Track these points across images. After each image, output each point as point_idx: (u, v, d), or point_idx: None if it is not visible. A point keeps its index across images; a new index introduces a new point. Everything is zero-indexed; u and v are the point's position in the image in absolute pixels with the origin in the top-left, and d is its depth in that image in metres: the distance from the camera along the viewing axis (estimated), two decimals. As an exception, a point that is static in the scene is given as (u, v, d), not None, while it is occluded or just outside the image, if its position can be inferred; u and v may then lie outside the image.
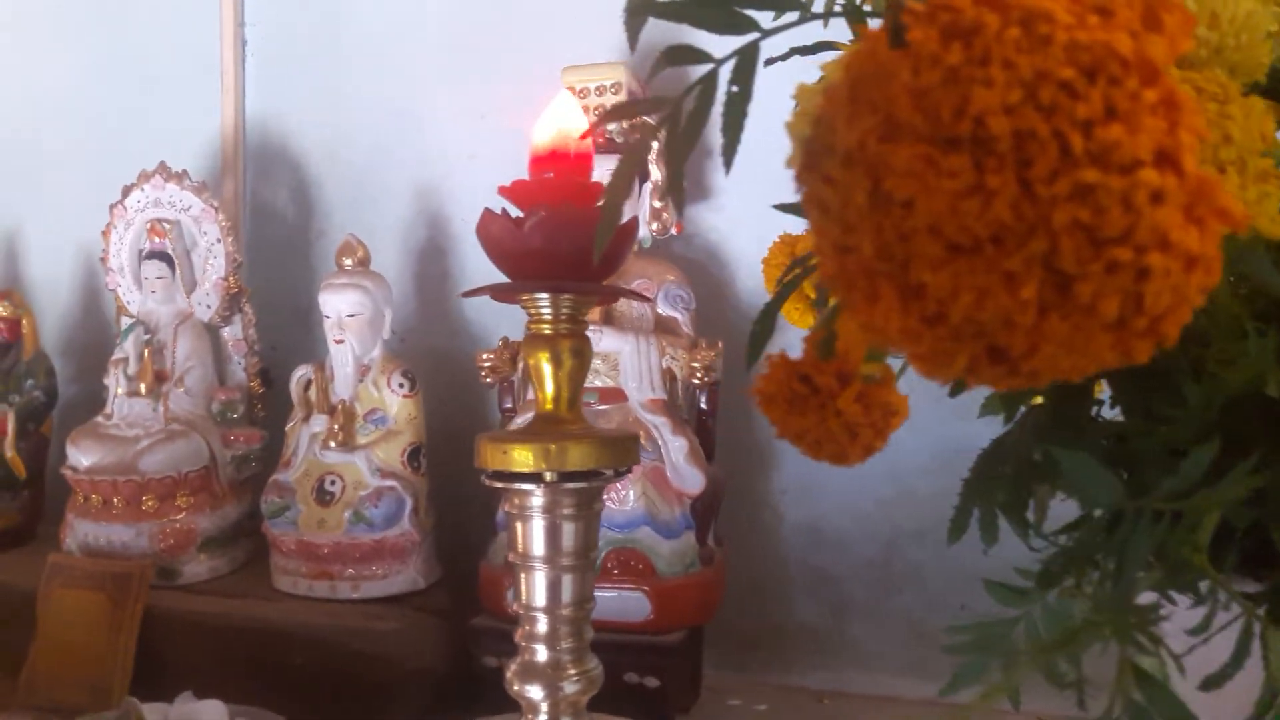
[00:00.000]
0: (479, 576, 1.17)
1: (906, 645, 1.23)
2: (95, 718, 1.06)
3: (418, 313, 1.44)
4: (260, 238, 1.49)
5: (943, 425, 0.98)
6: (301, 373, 1.30)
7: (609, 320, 1.17)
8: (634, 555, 1.08)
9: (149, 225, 1.37)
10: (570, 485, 0.57)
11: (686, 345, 1.15)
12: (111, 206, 1.40)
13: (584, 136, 0.57)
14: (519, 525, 0.59)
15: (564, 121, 0.57)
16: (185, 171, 1.37)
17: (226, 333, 1.41)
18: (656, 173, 1.18)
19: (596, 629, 1.06)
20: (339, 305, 1.26)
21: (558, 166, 0.56)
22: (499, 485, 0.59)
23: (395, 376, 1.28)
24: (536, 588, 0.58)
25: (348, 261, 1.29)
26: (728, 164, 0.48)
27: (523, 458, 0.56)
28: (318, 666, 1.14)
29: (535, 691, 0.58)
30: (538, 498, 0.58)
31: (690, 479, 1.09)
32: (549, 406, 0.59)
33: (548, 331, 0.59)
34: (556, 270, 0.56)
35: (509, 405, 1.24)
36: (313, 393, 1.30)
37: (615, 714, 1.05)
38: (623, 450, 0.58)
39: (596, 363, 1.16)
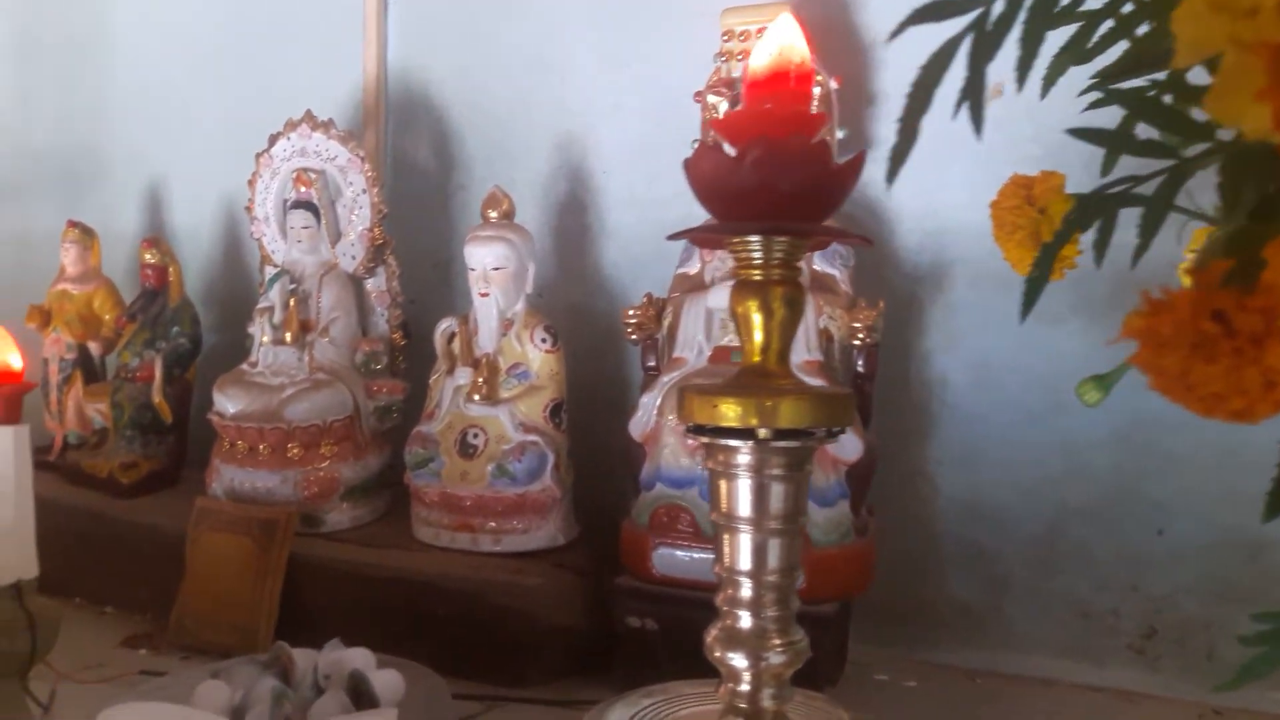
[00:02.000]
0: (620, 535, 1.14)
1: (1068, 627, 1.16)
2: (245, 660, 1.07)
3: (556, 268, 1.41)
4: (400, 190, 1.49)
5: (1125, 395, 0.91)
6: (445, 325, 1.30)
7: (764, 276, 1.13)
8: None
9: (295, 174, 1.38)
10: (781, 444, 0.53)
11: (845, 304, 1.10)
12: (257, 155, 1.41)
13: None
14: (723, 483, 0.55)
15: (785, 43, 0.52)
16: (331, 121, 1.37)
17: (370, 284, 1.42)
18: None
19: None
20: (484, 258, 1.25)
21: (777, 92, 0.52)
22: (703, 440, 0.55)
23: (538, 331, 1.26)
24: (741, 550, 0.55)
25: (493, 214, 1.27)
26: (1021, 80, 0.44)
27: (732, 412, 0.52)
28: (460, 618, 1.14)
29: (738, 660, 0.55)
30: (745, 455, 0.54)
31: (848, 445, 1.04)
32: (756, 359, 0.55)
33: (758, 278, 0.54)
34: (771, 210, 0.52)
35: (652, 364, 1.20)
36: (456, 345, 1.29)
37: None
38: (838, 409, 0.54)
39: (750, 321, 1.11)
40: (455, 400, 1.26)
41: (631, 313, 1.17)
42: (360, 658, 1.03)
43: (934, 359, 1.22)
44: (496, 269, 1.25)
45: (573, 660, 1.16)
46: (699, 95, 1.19)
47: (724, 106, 1.16)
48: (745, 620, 0.56)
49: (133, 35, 1.80)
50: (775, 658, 0.55)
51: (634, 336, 1.18)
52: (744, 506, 0.55)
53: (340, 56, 1.56)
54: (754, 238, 0.54)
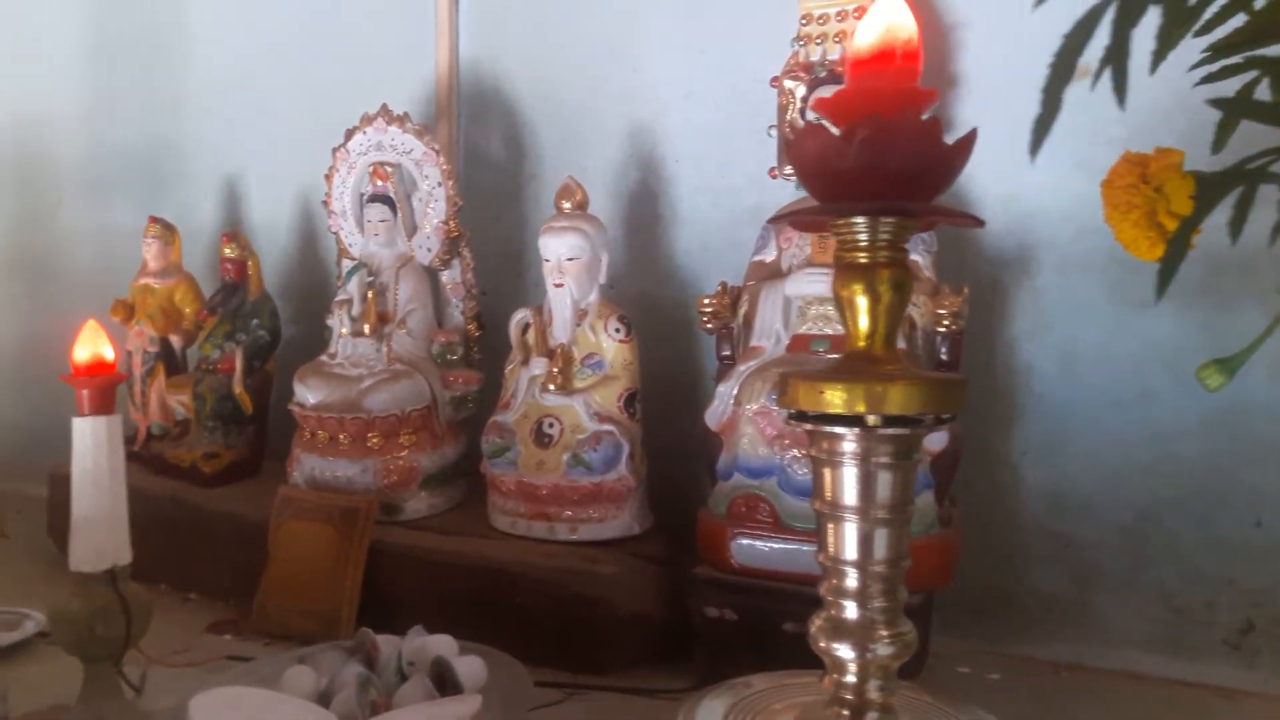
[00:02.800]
0: (696, 525, 1.14)
1: (1157, 620, 1.13)
2: (330, 646, 1.09)
3: (627, 257, 1.41)
4: (472, 182, 1.50)
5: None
6: (520, 316, 1.30)
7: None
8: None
9: (371, 168, 1.39)
10: (889, 431, 0.52)
11: (929, 290, 1.08)
12: (334, 150, 1.43)
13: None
14: (827, 471, 0.54)
15: (891, 20, 0.51)
16: (407, 114, 1.38)
17: (445, 276, 1.43)
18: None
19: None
20: (558, 248, 1.25)
21: (883, 69, 0.51)
22: (807, 427, 0.55)
23: (612, 321, 1.26)
24: (846, 540, 0.54)
25: (566, 204, 1.27)
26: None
27: (838, 398, 0.52)
28: (538, 606, 1.15)
29: (844, 651, 0.54)
30: (851, 442, 0.53)
31: (933, 435, 1.02)
32: (862, 343, 0.54)
33: (863, 260, 0.53)
34: (878, 191, 0.51)
35: (727, 353, 1.19)
36: (531, 336, 1.29)
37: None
38: (948, 395, 0.52)
39: (828, 309, 1.10)
40: (530, 390, 1.27)
41: (707, 301, 1.17)
42: (443, 644, 1.04)
43: (1019, 346, 1.19)
44: (570, 259, 1.25)
45: (649, 649, 1.16)
46: (775, 81, 1.17)
47: (801, 91, 1.15)
48: (851, 611, 0.55)
49: (210, 33, 1.84)
50: (882, 649, 0.54)
51: (709, 325, 1.17)
52: (849, 495, 0.54)
53: (413, 50, 1.57)
54: (859, 219, 0.53)
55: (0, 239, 2.17)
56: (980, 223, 0.56)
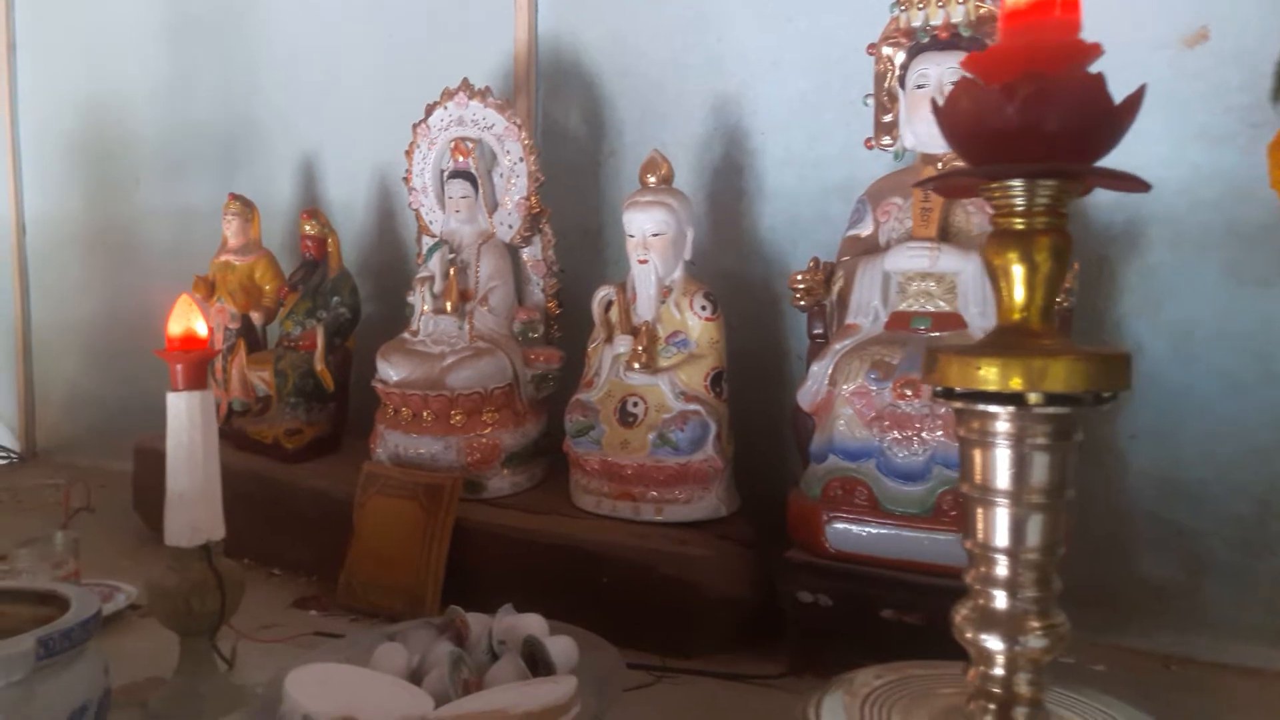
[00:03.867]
0: (788, 508, 1.11)
1: (1275, 612, 1.08)
2: (420, 623, 1.08)
3: (710, 233, 1.38)
4: (550, 158, 1.47)
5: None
6: (604, 293, 1.28)
7: (946, 236, 1.07)
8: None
9: (453, 144, 1.38)
10: (1049, 410, 0.48)
11: (1035, 266, 1.03)
12: (414, 125, 1.42)
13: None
14: (977, 453, 0.51)
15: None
16: (488, 89, 1.36)
17: (526, 253, 1.41)
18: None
19: (928, 573, 0.99)
20: (643, 224, 1.22)
21: (1040, 22, 0.47)
22: (956, 406, 0.51)
23: (698, 299, 1.23)
24: (997, 525, 0.51)
25: (651, 179, 1.24)
26: None
27: (993, 375, 0.48)
28: (625, 587, 1.13)
29: (993, 642, 0.51)
30: (1004, 422, 0.50)
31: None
32: (1016, 316, 0.51)
33: (1019, 226, 0.50)
34: (1036, 152, 0.47)
35: (819, 331, 1.16)
36: (614, 314, 1.27)
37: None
38: (1113, 371, 0.49)
39: (930, 285, 1.06)
40: (614, 368, 1.25)
41: (799, 277, 1.13)
42: (534, 624, 1.02)
43: (1129, 325, 1.14)
44: (656, 235, 1.22)
45: (737, 633, 1.14)
46: (873, 48, 1.13)
47: (901, 58, 1.10)
48: (1000, 600, 0.52)
49: (286, 10, 1.84)
50: (1034, 641, 0.51)
51: (801, 302, 1.14)
52: (1001, 478, 0.51)
53: (491, 24, 1.55)
54: (1016, 182, 0.49)
55: (81, 218, 2.20)
56: (1146, 186, 0.52)
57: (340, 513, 1.32)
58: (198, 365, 0.99)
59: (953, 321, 1.04)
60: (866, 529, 1.03)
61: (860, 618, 1.02)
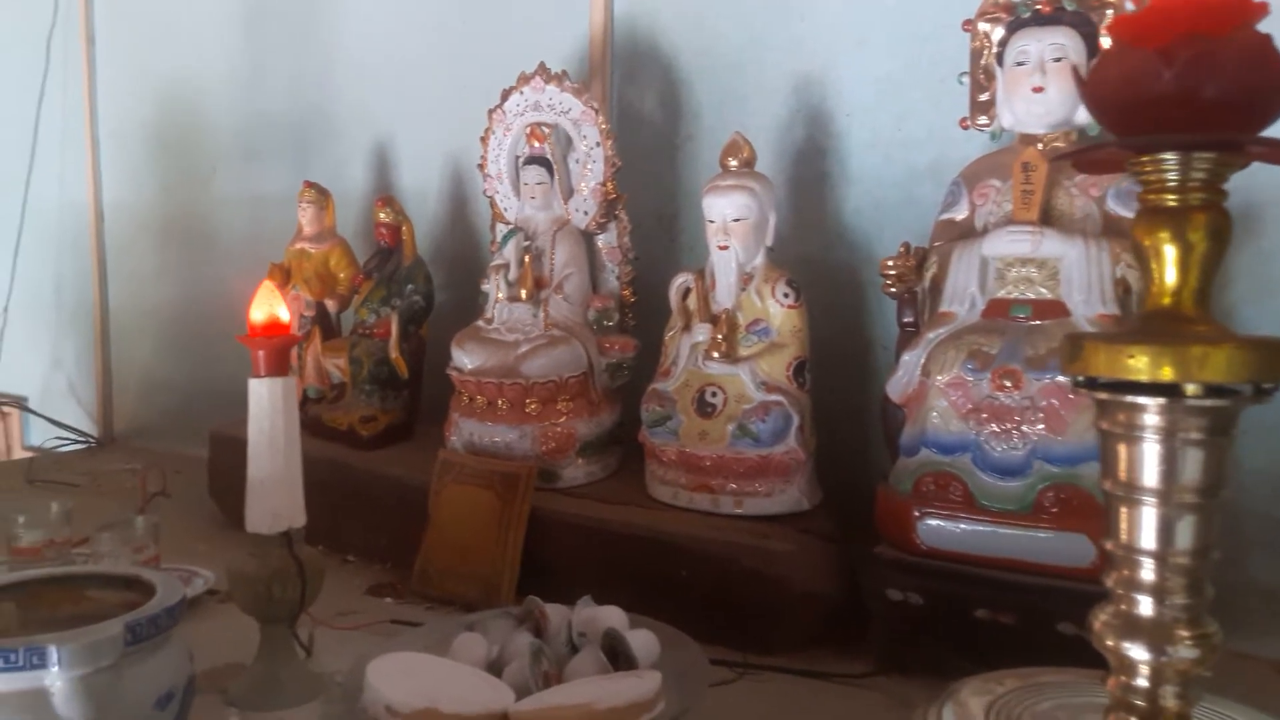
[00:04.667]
0: (875, 502, 1.07)
1: (1399, 620, 1.01)
2: (498, 613, 1.07)
3: (791, 219, 1.34)
4: (624, 143, 1.44)
5: None
6: (681, 280, 1.25)
7: (1048, 220, 1.02)
8: (1076, 493, 0.94)
9: (528, 129, 1.36)
10: (1206, 402, 0.44)
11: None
12: (490, 111, 1.40)
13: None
14: (1122, 447, 0.47)
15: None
16: (565, 72, 1.34)
17: (601, 240, 1.39)
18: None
19: (1025, 572, 0.95)
20: (724, 209, 1.19)
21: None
22: (1100, 397, 0.48)
23: (780, 285, 1.20)
24: (1142, 526, 0.47)
25: (733, 162, 1.21)
26: None
27: (1146, 364, 0.44)
28: (705, 581, 1.10)
29: (1137, 651, 0.47)
30: (1153, 415, 0.46)
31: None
32: (1166, 300, 0.47)
33: (1172, 203, 0.46)
34: (1192, 122, 0.43)
35: (910, 319, 1.12)
36: (692, 301, 1.24)
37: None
38: (1277, 360, 0.45)
39: (1031, 271, 1.02)
40: (692, 357, 1.22)
41: (890, 263, 1.09)
42: (614, 616, 1.00)
43: (1240, 312, 1.08)
44: (737, 220, 1.19)
45: (820, 630, 1.11)
46: (969, 24, 1.08)
47: (999, 34, 1.05)
48: (1145, 607, 0.48)
49: (359, -1, 1.84)
50: (1183, 652, 0.47)
51: (893, 289, 1.10)
52: (1149, 476, 0.47)
53: (565, 8, 1.53)
54: (1170, 155, 0.45)
55: (158, 208, 2.23)
56: (1322, 156, 0.47)
57: (414, 500, 1.31)
58: (280, 351, 0.98)
59: (1055, 310, 0.99)
60: (961, 525, 0.99)
61: (952, 617, 0.98)
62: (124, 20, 2.26)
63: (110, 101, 2.31)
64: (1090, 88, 0.47)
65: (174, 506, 1.67)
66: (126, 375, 2.36)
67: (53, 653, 0.70)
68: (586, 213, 1.36)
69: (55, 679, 0.71)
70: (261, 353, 0.97)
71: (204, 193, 2.13)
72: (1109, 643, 0.49)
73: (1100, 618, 0.50)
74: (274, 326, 0.98)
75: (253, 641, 1.02)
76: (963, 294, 1.04)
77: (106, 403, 2.38)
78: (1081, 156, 0.51)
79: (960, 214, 1.10)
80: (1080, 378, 0.48)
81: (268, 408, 0.97)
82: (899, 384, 1.06)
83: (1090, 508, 0.93)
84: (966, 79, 1.10)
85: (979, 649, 0.97)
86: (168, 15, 2.16)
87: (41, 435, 2.43)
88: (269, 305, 0.98)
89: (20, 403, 2.55)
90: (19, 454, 2.51)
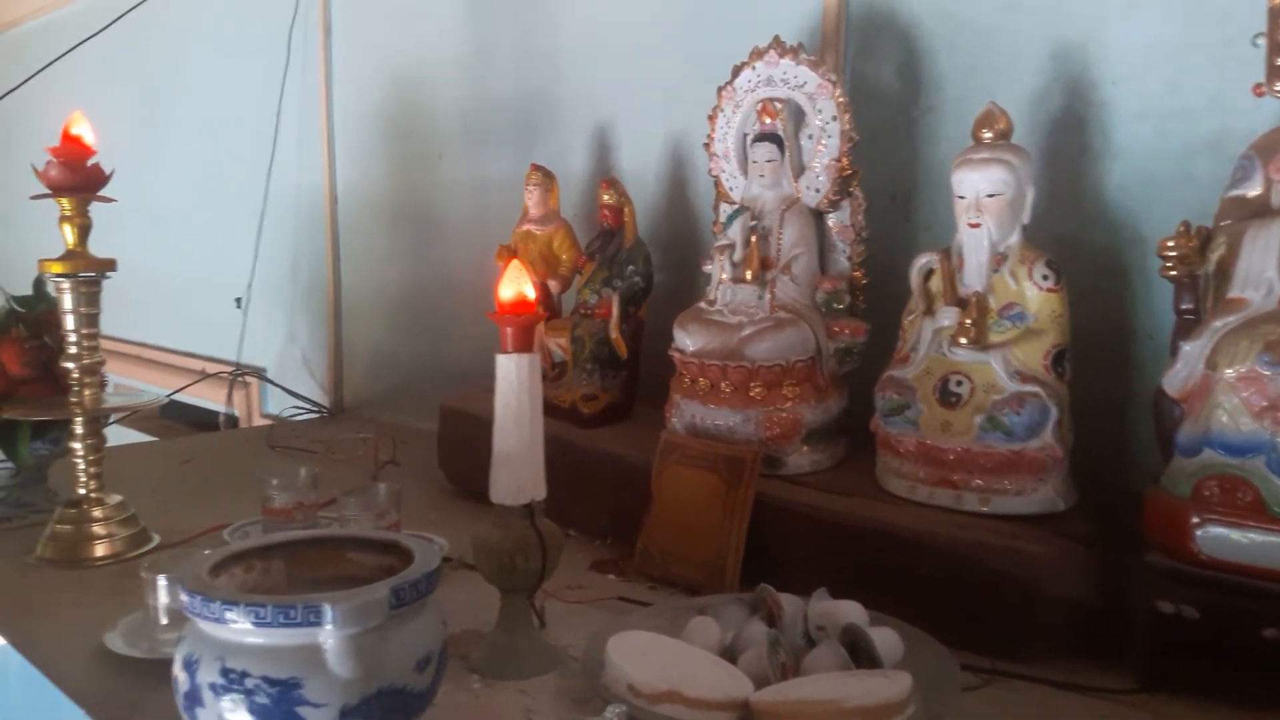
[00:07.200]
0: (1144, 506, 0.98)
1: None
2: (730, 599, 1.05)
3: (1044, 196, 1.24)
4: (857, 117, 1.38)
5: None
6: (924, 261, 1.19)
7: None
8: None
9: (759, 106, 1.32)
10: None
11: None
12: (719, 89, 1.37)
13: None
14: None
15: None
16: (800, 45, 1.30)
17: (832, 219, 1.34)
18: None
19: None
20: (978, 183, 1.11)
21: None
22: None
23: (1038, 267, 1.12)
24: None
25: (987, 134, 1.13)
26: None
27: None
28: (948, 581, 1.04)
29: None
30: None
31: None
32: None
33: None
34: None
35: (1188, 305, 1.01)
36: (935, 283, 1.18)
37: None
38: None
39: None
40: (935, 343, 1.16)
41: (1170, 244, 0.99)
42: (853, 612, 0.97)
43: None
44: (991, 196, 1.11)
45: (1074, 639, 1.03)
46: (1273, -19, 0.97)
47: (1312, -14, 0.93)
48: None
49: (583, -18, 1.85)
50: None
51: (1173, 272, 1.00)
52: None
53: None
54: None
55: (389, 191, 2.35)
56: None
57: (634, 479, 1.32)
58: (527, 329, 1.00)
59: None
60: (1250, 535, 0.89)
61: (1234, 635, 0.89)
62: (358, 10, 2.38)
63: (344, 89, 2.45)
64: None
65: (404, 475, 1.76)
66: (356, 350, 2.50)
67: (328, 611, 0.74)
68: (818, 190, 1.32)
69: (329, 636, 0.74)
70: (509, 329, 0.99)
71: (431, 176, 2.22)
72: None
73: None
74: (522, 305, 1.00)
75: (486, 609, 1.05)
76: (1258, 279, 0.93)
77: (337, 376, 2.54)
78: None
79: (1253, 190, 0.99)
80: None
81: (514, 383, 0.99)
82: (1177, 377, 0.97)
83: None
84: (1263, 41, 0.98)
85: (1260, 671, 0.89)
86: (398, 2, 2.26)
87: (278, 405, 2.62)
88: (517, 284, 1.00)
89: (260, 374, 2.76)
90: (258, 421, 2.72)
